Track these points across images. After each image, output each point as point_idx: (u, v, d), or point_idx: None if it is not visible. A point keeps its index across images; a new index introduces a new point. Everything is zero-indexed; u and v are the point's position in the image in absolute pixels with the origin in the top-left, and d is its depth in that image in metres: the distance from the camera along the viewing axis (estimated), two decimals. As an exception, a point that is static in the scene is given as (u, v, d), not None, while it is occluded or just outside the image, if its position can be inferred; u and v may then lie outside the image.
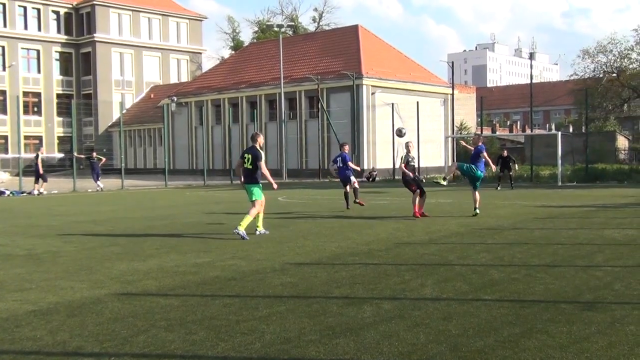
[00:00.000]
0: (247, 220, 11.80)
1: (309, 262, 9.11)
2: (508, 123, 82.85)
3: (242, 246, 10.72)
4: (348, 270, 8.41)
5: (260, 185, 12.19)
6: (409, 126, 38.51)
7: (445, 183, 16.59)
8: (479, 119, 44.54)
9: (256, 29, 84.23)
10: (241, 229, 11.52)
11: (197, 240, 11.63)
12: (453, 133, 42.38)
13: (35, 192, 28.63)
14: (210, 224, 14.55)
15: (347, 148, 18.58)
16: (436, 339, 5.27)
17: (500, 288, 7.17)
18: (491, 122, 74.88)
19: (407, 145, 15.93)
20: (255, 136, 12.34)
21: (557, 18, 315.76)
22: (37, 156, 29.90)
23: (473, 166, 15.44)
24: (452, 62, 43.13)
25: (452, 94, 41.87)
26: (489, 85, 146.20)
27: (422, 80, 47.40)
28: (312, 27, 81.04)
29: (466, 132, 56.26)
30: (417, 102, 37.68)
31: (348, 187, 17.92)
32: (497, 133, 62.82)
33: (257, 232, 12.15)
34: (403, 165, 15.76)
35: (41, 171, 29.34)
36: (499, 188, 27.31)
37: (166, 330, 5.62)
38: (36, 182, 29.04)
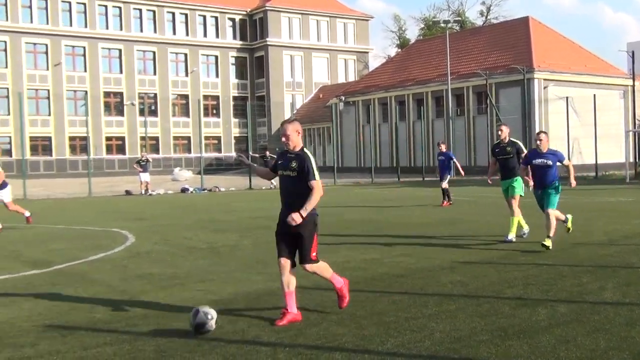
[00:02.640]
0: (520, 220, 10.96)
1: (479, 261, 8.92)
2: (699, 115, 75.78)
3: (409, 244, 10.73)
4: (520, 270, 8.14)
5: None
6: (585, 120, 36.58)
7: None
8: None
9: (422, 25, 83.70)
10: (524, 228, 10.98)
11: (365, 237, 11.78)
12: (634, 127, 39.51)
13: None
14: (378, 222, 14.67)
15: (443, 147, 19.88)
16: (618, 345, 4.98)
17: (692, 294, 6.61)
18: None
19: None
20: (499, 126, 11.30)
21: None
22: None
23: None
24: (632, 52, 40.17)
25: (633, 86, 39.07)
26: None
27: (599, 71, 44.64)
28: (479, 22, 79.14)
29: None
30: (594, 95, 35.53)
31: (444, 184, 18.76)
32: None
33: (524, 233, 11.01)
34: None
35: None
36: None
37: (337, 324, 5.77)
38: None
